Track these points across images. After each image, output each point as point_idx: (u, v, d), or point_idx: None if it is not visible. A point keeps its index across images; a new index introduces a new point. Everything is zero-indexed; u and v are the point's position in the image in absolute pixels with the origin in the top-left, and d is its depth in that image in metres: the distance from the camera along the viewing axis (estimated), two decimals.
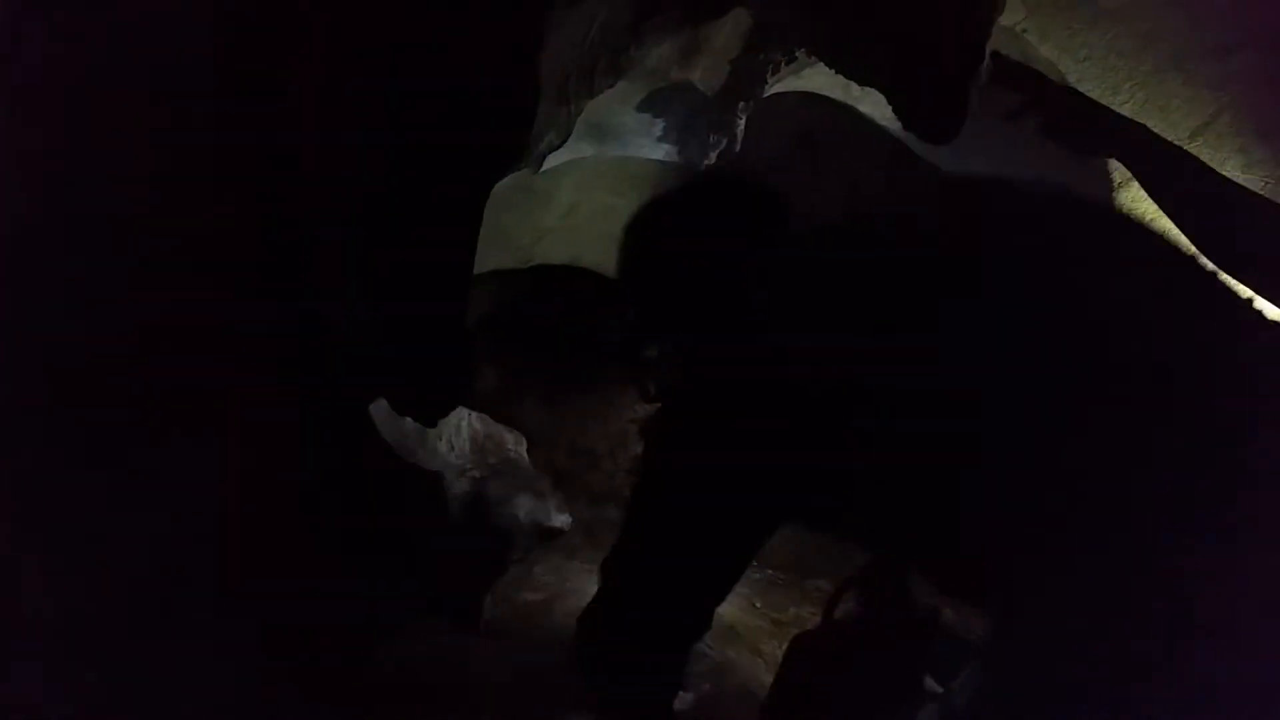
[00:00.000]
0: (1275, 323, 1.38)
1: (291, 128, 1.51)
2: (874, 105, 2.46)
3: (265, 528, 1.65)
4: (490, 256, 3.36)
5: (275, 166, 1.53)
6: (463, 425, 1.84)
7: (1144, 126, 1.59)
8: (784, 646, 1.81)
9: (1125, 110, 2.03)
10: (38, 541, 1.54)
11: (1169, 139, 1.99)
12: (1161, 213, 1.53)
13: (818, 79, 2.33)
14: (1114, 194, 2.01)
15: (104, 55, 1.44)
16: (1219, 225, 1.44)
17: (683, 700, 1.82)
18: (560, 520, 2.02)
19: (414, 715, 1.85)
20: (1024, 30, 2.04)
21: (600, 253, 3.67)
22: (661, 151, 2.32)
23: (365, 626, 1.86)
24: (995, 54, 1.56)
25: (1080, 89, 2.04)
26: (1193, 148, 1.98)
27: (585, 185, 3.26)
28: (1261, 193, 1.93)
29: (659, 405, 3.05)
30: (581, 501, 3.18)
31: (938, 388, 1.37)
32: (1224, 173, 1.95)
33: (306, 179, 1.56)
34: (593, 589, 2.46)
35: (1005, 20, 2.03)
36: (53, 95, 1.44)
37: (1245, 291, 1.39)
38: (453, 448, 1.82)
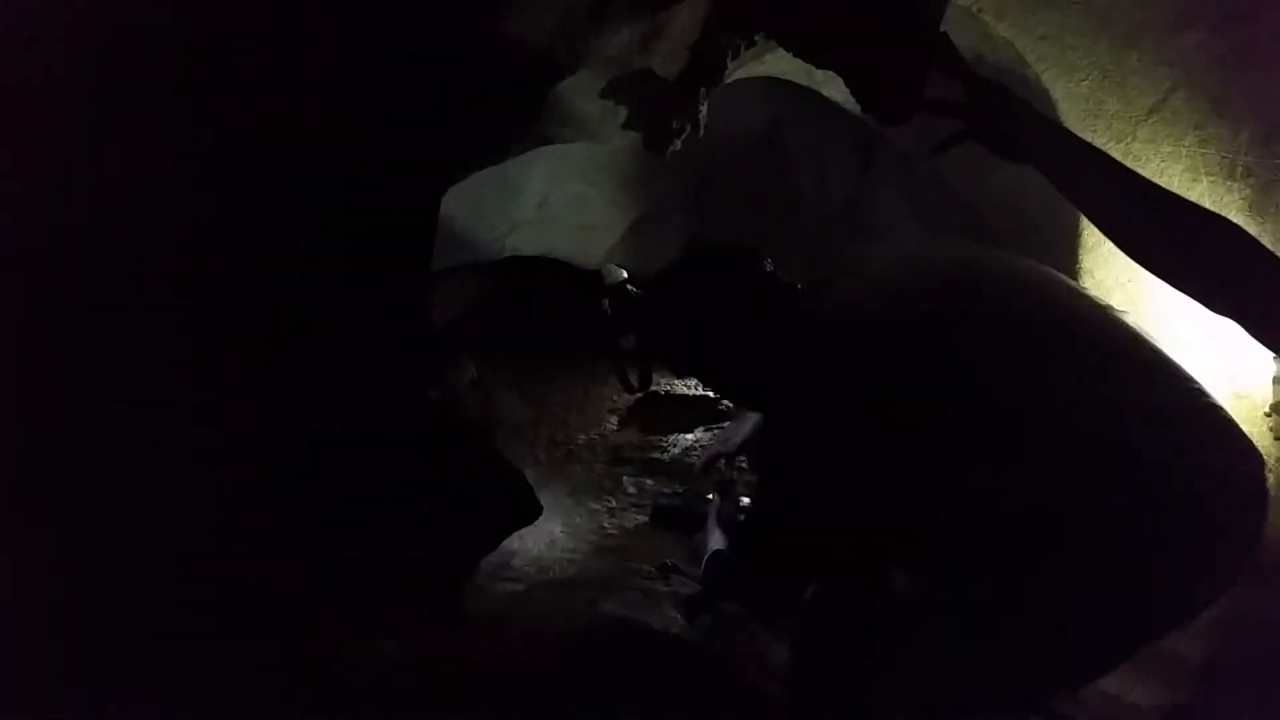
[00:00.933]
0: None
1: (246, 118, 1.50)
2: (838, 89, 2.48)
3: (226, 524, 1.65)
4: (463, 249, 3.37)
5: (229, 159, 1.53)
6: (434, 413, 1.84)
7: (1065, 129, 1.62)
8: None
9: (1082, 89, 2.06)
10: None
11: (1126, 119, 2.04)
12: None
13: (780, 64, 2.35)
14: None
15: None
16: (1140, 227, 1.45)
17: None
18: (534, 509, 2.03)
19: (395, 711, 1.85)
20: (980, 10, 2.06)
21: (573, 243, 3.68)
22: (626, 139, 2.33)
23: (336, 623, 1.86)
24: (945, 37, 1.57)
25: (1038, 67, 2.06)
26: (1150, 124, 2.01)
27: (556, 176, 3.28)
28: (1218, 168, 1.96)
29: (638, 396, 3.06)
30: (561, 493, 3.19)
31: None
32: (1180, 148, 1.99)
33: (263, 173, 1.56)
34: (574, 577, 2.49)
35: (962, 0, 2.05)
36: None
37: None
38: (424, 438, 1.82)
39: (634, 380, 3.64)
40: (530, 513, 2.04)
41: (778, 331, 1.72)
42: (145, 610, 1.59)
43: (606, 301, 2.99)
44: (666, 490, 3.02)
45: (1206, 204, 1.97)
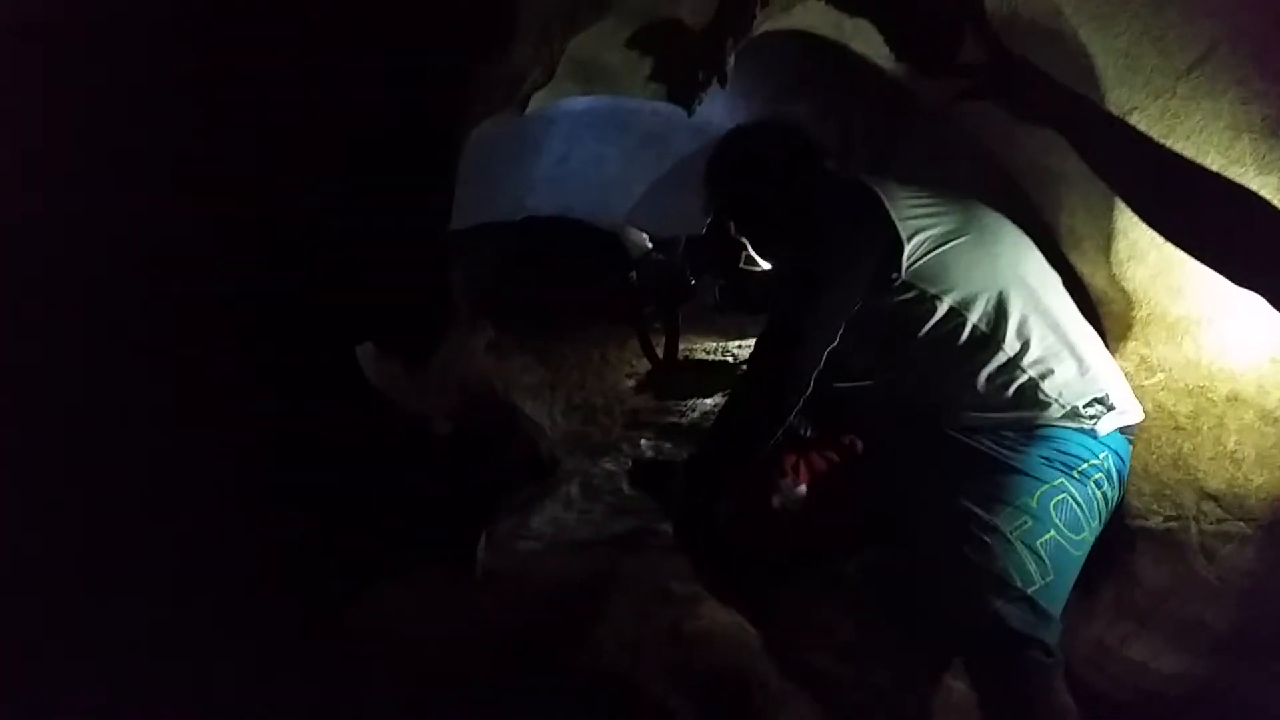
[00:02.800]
0: None
1: (262, 65, 1.47)
2: (867, 44, 2.42)
3: (242, 475, 1.64)
4: (481, 208, 3.33)
5: (244, 111, 1.50)
6: (451, 368, 1.82)
7: (1090, 99, 1.59)
8: None
9: (1120, 43, 1.99)
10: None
11: (1165, 74, 1.97)
12: None
13: (809, 16, 2.28)
14: None
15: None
16: (1162, 196, 1.42)
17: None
18: (551, 463, 2.01)
19: (408, 661, 1.85)
20: None
21: (592, 203, 3.64)
22: (651, 90, 2.28)
23: (349, 579, 1.85)
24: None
25: (1074, 21, 1.99)
26: (1190, 80, 1.95)
27: (575, 133, 3.23)
28: (1260, 125, 1.90)
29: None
30: (579, 455, 3.17)
31: None
32: (1221, 104, 1.93)
33: (279, 122, 1.53)
34: (589, 538, 2.49)
35: None
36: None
37: None
38: (441, 391, 1.80)
39: (659, 351, 3.62)
40: (547, 467, 2.02)
41: (816, 179, 2.19)
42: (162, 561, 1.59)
43: (634, 273, 2.95)
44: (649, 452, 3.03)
45: (1248, 162, 1.91)
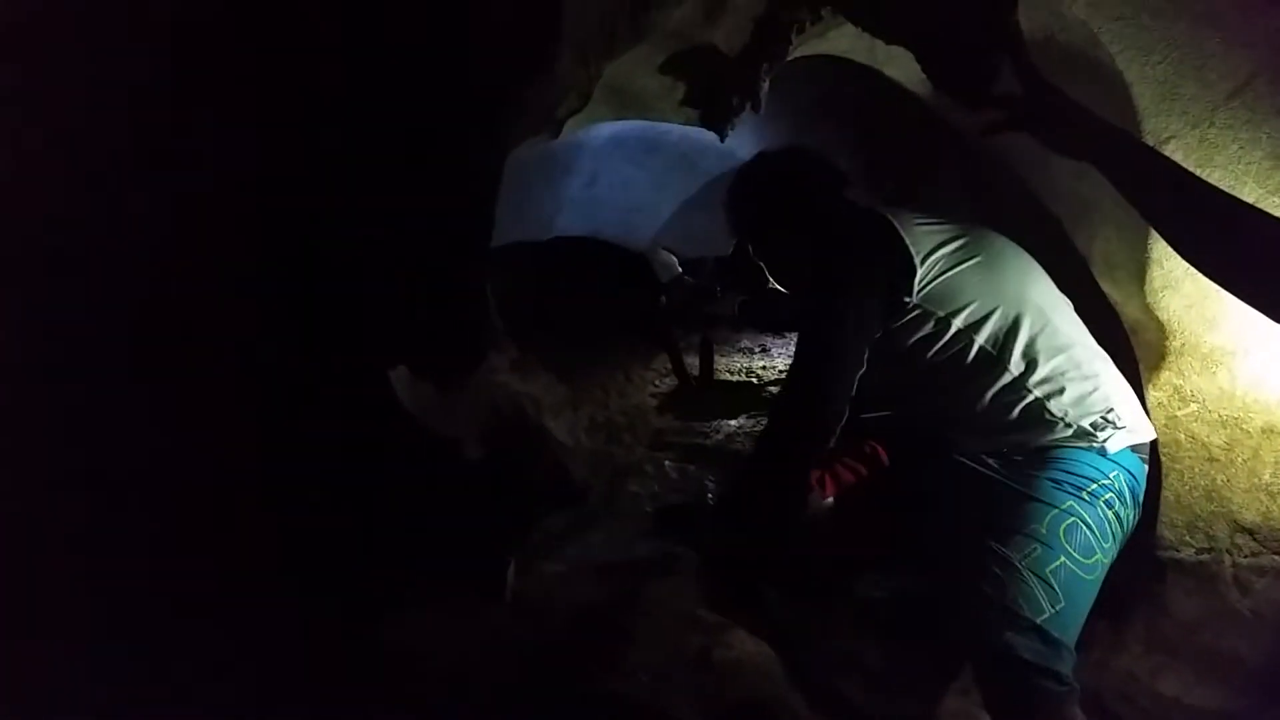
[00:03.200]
0: None
1: (308, 85, 1.49)
2: (900, 69, 2.42)
3: (272, 497, 1.65)
4: (511, 228, 3.34)
5: (284, 131, 1.51)
6: (484, 391, 1.82)
7: (1126, 132, 1.60)
8: None
9: (1158, 72, 1.98)
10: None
11: (1203, 103, 1.96)
12: None
13: (843, 41, 2.29)
14: None
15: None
16: (1198, 231, 1.40)
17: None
18: (581, 489, 2.00)
19: (437, 686, 1.84)
20: None
21: (620, 224, 3.65)
22: (683, 115, 2.28)
23: (380, 599, 1.85)
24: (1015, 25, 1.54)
25: (1112, 49, 1.99)
26: (1229, 109, 1.94)
27: (604, 156, 3.24)
28: None
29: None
30: (604, 475, 3.17)
31: None
32: (1260, 134, 1.92)
33: (322, 144, 1.54)
34: (615, 561, 2.48)
35: None
36: None
37: None
38: (473, 414, 1.80)
39: (693, 374, 3.62)
40: (580, 492, 2.02)
41: (831, 208, 2.21)
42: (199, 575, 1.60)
43: (664, 297, 2.96)
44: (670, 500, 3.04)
45: None
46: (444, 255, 1.57)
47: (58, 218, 1.49)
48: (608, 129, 3.07)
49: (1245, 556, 2.14)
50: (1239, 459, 2.14)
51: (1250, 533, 2.14)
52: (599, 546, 2.58)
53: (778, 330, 2.71)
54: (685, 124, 2.33)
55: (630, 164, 3.48)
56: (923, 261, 1.97)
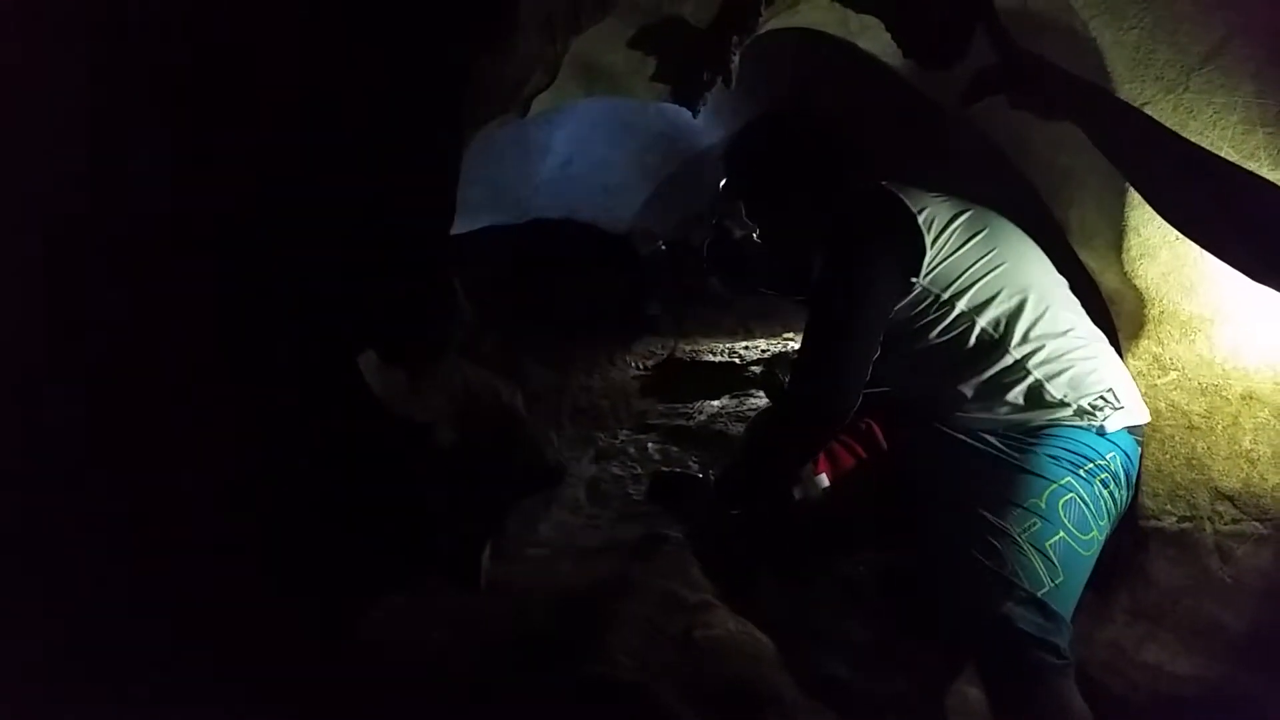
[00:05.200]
0: None
1: (260, 64, 1.45)
2: (873, 42, 2.39)
3: (242, 485, 1.62)
4: (486, 211, 3.31)
5: (241, 112, 1.48)
6: (455, 375, 1.79)
7: (1106, 89, 1.57)
8: None
9: (1131, 37, 1.96)
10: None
11: (1178, 68, 1.94)
12: None
13: (815, 14, 2.26)
14: None
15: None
16: (1180, 188, 1.39)
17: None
18: (558, 470, 1.98)
19: (416, 673, 1.82)
20: None
21: (597, 205, 3.62)
22: (654, 91, 2.25)
23: (355, 590, 1.83)
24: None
25: (1084, 14, 1.97)
26: (1203, 74, 1.92)
27: (580, 135, 3.21)
28: (1275, 119, 1.87)
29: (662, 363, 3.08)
30: (586, 459, 3.15)
31: None
32: (1235, 98, 1.90)
33: (278, 124, 1.51)
34: (597, 544, 2.46)
35: None
36: None
37: None
38: (446, 399, 1.78)
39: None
40: (554, 474, 2.00)
41: (843, 180, 2.16)
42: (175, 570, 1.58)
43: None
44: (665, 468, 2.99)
45: (1262, 157, 1.89)
46: (405, 236, 1.54)
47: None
48: (583, 108, 3.04)
49: (1226, 524, 2.13)
50: (1219, 426, 2.13)
51: (1231, 500, 2.13)
52: (580, 530, 2.56)
53: (742, 283, 2.63)
54: (657, 100, 2.30)
55: (606, 144, 3.45)
56: (932, 243, 1.97)
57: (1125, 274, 2.21)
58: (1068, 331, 2.00)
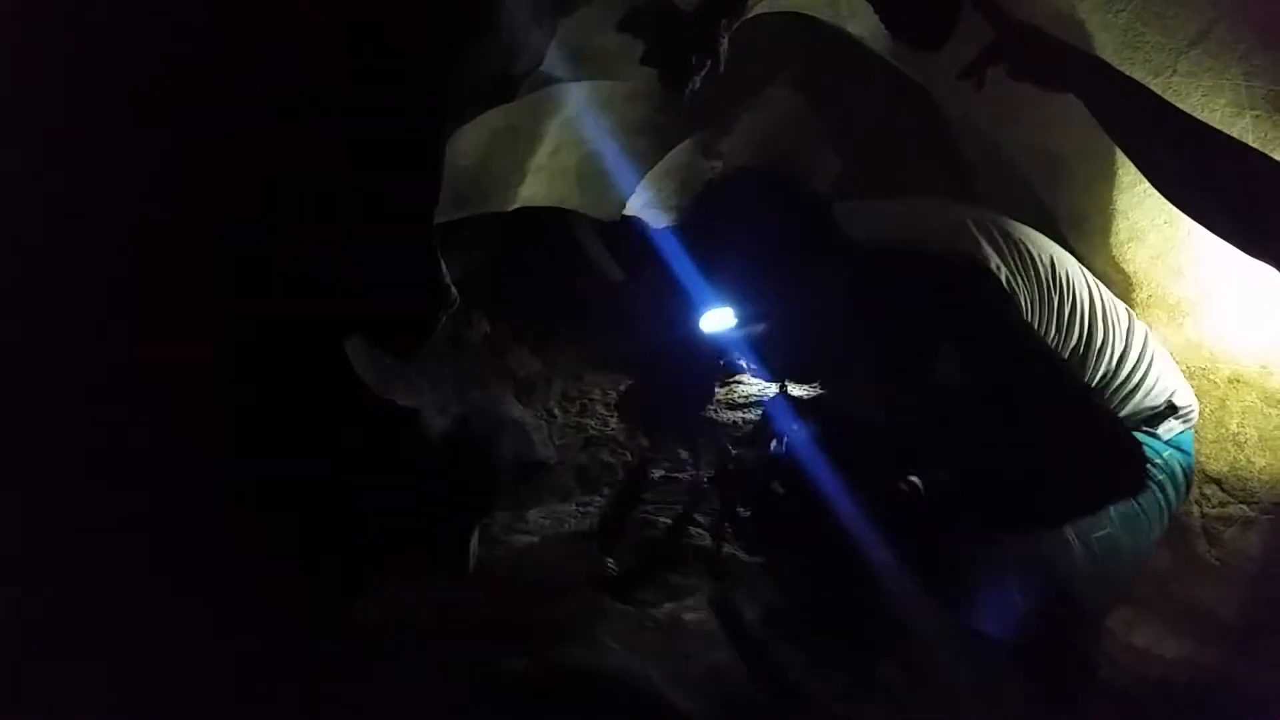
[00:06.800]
0: None
1: (246, 54, 1.44)
2: (862, 26, 2.39)
3: (232, 472, 1.62)
4: (475, 200, 3.29)
5: (227, 101, 1.47)
6: (443, 362, 1.79)
7: (1108, 64, 1.58)
8: None
9: (1120, 20, 1.96)
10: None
11: (1166, 51, 1.94)
12: None
13: None
14: None
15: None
16: (1176, 158, 1.38)
17: None
18: (546, 456, 1.98)
19: (410, 661, 1.82)
20: None
21: (587, 194, 3.59)
22: (643, 76, 2.24)
23: (345, 579, 1.83)
24: None
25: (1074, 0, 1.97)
26: (1191, 56, 1.92)
27: (568, 122, 3.19)
28: (1263, 102, 1.87)
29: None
30: (576, 446, 3.14)
31: None
32: (1223, 81, 1.90)
33: (263, 112, 1.50)
34: (587, 531, 2.46)
35: None
36: None
37: None
38: (434, 385, 1.77)
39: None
40: (543, 461, 2.00)
41: (812, 235, 1.79)
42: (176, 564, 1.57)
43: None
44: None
45: (1250, 139, 1.88)
46: (392, 224, 1.53)
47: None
48: (571, 95, 3.02)
49: (1213, 506, 2.14)
50: (1206, 409, 2.14)
51: (1218, 483, 2.14)
52: (570, 517, 2.56)
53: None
54: (645, 84, 2.29)
55: (597, 130, 3.43)
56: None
57: (1113, 258, 2.21)
58: (1135, 353, 1.94)
